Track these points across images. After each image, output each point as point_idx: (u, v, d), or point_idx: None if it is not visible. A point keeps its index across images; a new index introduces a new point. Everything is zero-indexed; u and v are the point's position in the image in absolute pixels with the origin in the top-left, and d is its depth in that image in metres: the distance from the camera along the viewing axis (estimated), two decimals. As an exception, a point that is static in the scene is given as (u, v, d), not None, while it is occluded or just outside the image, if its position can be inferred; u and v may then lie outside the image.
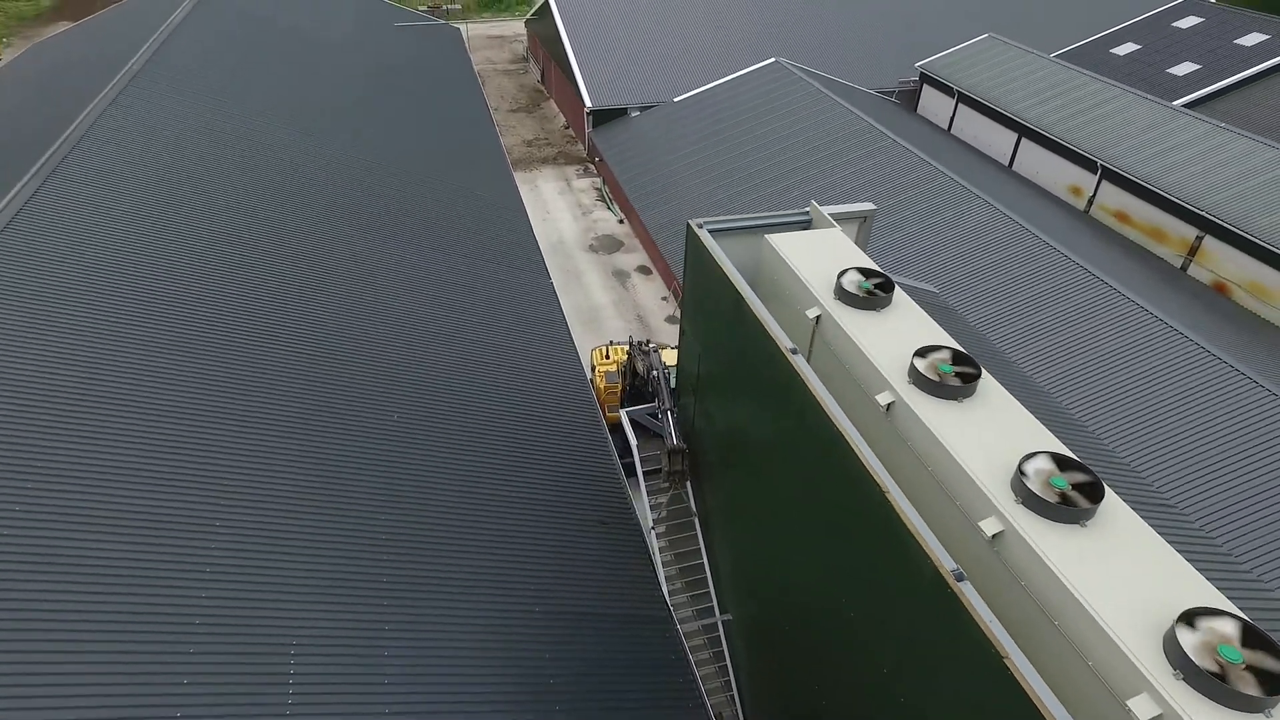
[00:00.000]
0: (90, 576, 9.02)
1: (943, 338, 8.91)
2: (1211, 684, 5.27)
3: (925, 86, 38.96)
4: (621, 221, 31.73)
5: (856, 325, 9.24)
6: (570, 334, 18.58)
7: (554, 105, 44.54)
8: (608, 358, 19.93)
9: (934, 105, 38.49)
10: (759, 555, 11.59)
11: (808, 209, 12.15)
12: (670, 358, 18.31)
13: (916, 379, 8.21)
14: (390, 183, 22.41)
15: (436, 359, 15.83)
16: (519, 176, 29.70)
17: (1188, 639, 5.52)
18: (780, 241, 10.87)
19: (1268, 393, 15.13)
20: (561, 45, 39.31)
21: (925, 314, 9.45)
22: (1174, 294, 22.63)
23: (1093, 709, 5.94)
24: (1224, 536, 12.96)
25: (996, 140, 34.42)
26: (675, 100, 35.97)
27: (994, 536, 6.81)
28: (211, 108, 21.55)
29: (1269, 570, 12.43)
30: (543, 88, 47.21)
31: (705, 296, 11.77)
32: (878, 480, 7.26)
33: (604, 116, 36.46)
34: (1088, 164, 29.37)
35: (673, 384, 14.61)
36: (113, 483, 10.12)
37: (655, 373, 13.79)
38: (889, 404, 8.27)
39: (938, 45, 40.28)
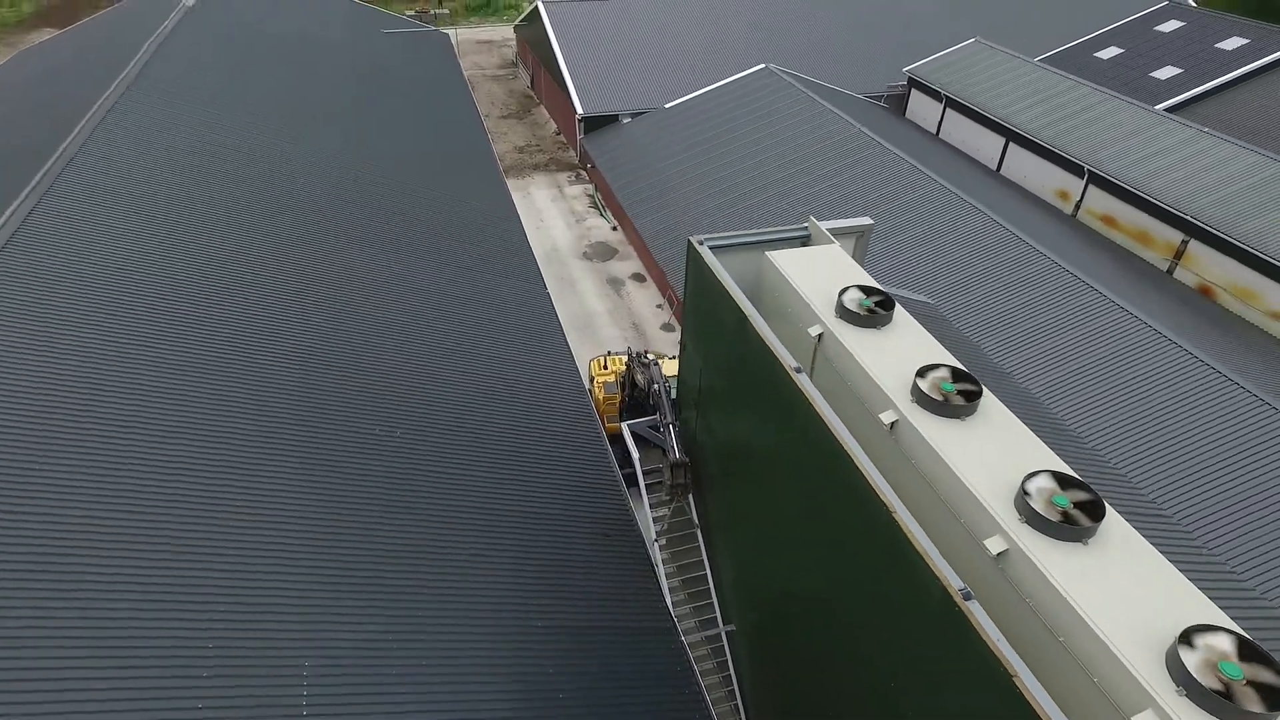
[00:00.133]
0: (98, 601, 9.04)
1: (944, 356, 9.08)
2: (1213, 700, 5.46)
3: (913, 91, 39.32)
4: (615, 229, 31.86)
5: (858, 343, 9.40)
6: (568, 345, 18.68)
7: (544, 111, 44.60)
8: (606, 368, 20.05)
9: (922, 109, 38.86)
10: (762, 567, 11.75)
11: (806, 225, 12.31)
12: (669, 368, 18.46)
13: (919, 398, 8.38)
14: (384, 192, 22.43)
15: (435, 372, 15.89)
16: (511, 184, 29.77)
17: (1190, 656, 5.71)
18: (781, 259, 11.02)
19: (1254, 398, 15.45)
20: (551, 51, 39.39)
21: (926, 331, 9.63)
22: (1161, 298, 23.01)
23: (1098, 725, 6.12)
24: (1214, 541, 13.24)
25: (984, 145, 34.81)
26: (666, 106, 36.14)
27: (999, 555, 6.98)
28: (204, 120, 21.50)
29: (1256, 574, 12.71)
30: (533, 93, 47.27)
31: (707, 313, 11.91)
32: (884, 500, 7.42)
33: (595, 123, 36.58)
34: (1075, 169, 29.78)
35: (673, 395, 14.74)
36: (118, 503, 10.14)
37: (656, 386, 13.91)
38: (893, 423, 8.43)
39: (925, 49, 40.66)
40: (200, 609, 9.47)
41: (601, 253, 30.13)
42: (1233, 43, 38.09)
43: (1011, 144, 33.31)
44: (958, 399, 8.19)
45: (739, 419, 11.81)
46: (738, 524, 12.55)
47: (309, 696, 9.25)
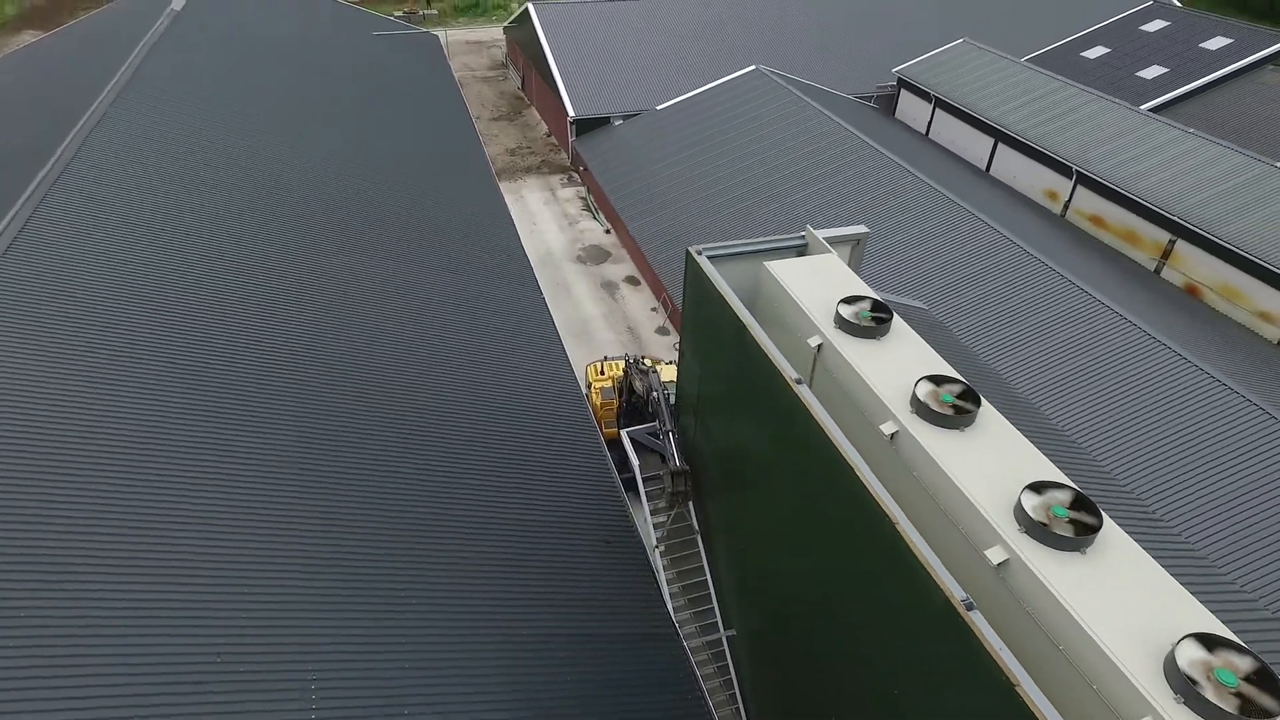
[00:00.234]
0: (104, 619, 9.07)
1: (942, 366, 9.24)
2: (1211, 707, 5.63)
3: (903, 91, 39.57)
4: (608, 231, 31.93)
5: (857, 354, 9.54)
6: (565, 351, 18.75)
7: (535, 113, 44.58)
8: (603, 374, 20.13)
9: (912, 110, 39.12)
10: (763, 572, 11.89)
11: (803, 234, 12.44)
12: (666, 374, 18.56)
13: (919, 409, 8.53)
14: (378, 197, 22.42)
15: (433, 381, 15.93)
16: (503, 186, 29.78)
17: (1186, 663, 5.88)
18: (779, 269, 11.15)
19: (1246, 401, 15.73)
20: (542, 53, 39.38)
21: (924, 341, 9.79)
22: (1149, 298, 23.32)
23: (1098, 731, 6.29)
24: (1204, 543, 13.49)
25: (973, 145, 35.10)
26: (658, 108, 36.22)
27: (999, 565, 7.14)
28: (197, 125, 21.42)
29: (1241, 572, 12.96)
30: (523, 95, 47.22)
31: (706, 322, 12.02)
32: (887, 511, 7.56)
33: (586, 125, 36.62)
34: (1063, 169, 30.09)
35: (671, 400, 14.84)
36: (118, 516, 10.16)
37: (655, 394, 14.02)
38: (893, 434, 8.58)
39: (913, 48, 40.91)
40: (206, 622, 9.51)
41: (595, 256, 30.20)
42: (1216, 42, 38.58)
43: (1000, 144, 33.61)
44: (956, 410, 8.34)
45: (739, 427, 11.93)
46: (738, 529, 12.68)
47: (317, 703, 9.31)
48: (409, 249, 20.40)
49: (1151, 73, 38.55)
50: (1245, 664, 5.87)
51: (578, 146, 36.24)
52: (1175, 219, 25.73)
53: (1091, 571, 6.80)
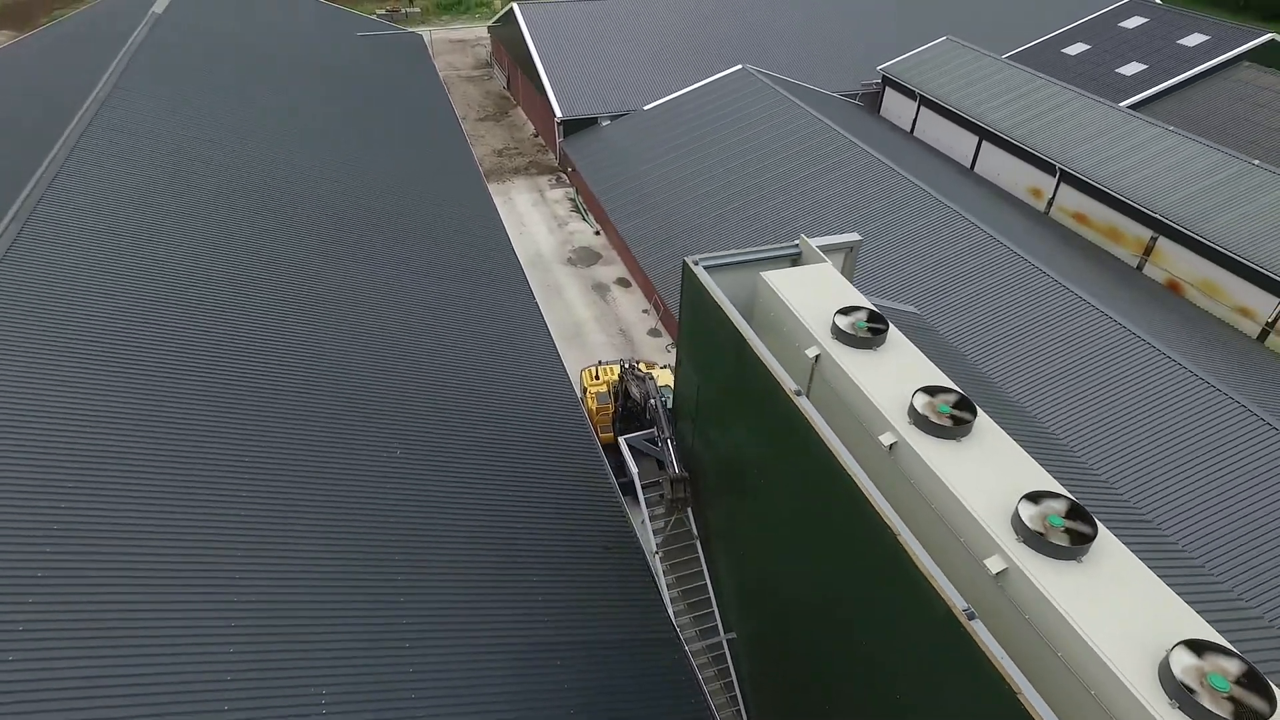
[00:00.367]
0: (115, 636, 9.10)
1: (938, 376, 9.44)
2: (1204, 712, 5.86)
3: (887, 89, 39.84)
4: (598, 233, 31.98)
5: (854, 364, 9.72)
6: (559, 356, 18.84)
7: (522, 113, 44.47)
8: (597, 378, 20.23)
9: (896, 107, 39.41)
10: (763, 576, 12.08)
11: (797, 242, 12.61)
12: (662, 378, 18.71)
13: (917, 419, 8.72)
14: (368, 202, 22.35)
15: (428, 389, 15.97)
16: (492, 188, 29.75)
17: (1180, 669, 6.11)
18: (776, 280, 11.31)
19: (1224, 396, 16.11)
20: (528, 53, 39.27)
21: (919, 351, 9.99)
22: (1133, 295, 23.75)
23: (1096, 735, 6.52)
24: (1187, 538, 13.84)
25: (958, 143, 35.43)
26: (645, 109, 36.26)
27: (998, 574, 7.35)
28: (181, 134, 21.24)
29: (1223, 567, 13.32)
30: (509, 94, 47.07)
31: (703, 331, 12.16)
32: (889, 523, 7.75)
33: (574, 125, 36.59)
34: (1047, 167, 30.49)
35: (668, 404, 14.98)
36: (128, 539, 10.17)
37: (653, 401, 14.15)
38: (891, 444, 8.77)
39: (898, 45, 41.18)
40: (217, 637, 9.57)
41: (585, 258, 30.26)
42: (1193, 39, 39.14)
43: (985, 142, 33.96)
44: (953, 421, 8.55)
45: (738, 434, 12.10)
46: (737, 534, 12.86)
47: (325, 711, 9.41)
48: (400, 254, 20.37)
49: (1131, 69, 39.07)
50: (1236, 668, 6.11)
51: (566, 148, 36.22)
52: (1156, 216, 26.18)
53: (1087, 580, 7.02)
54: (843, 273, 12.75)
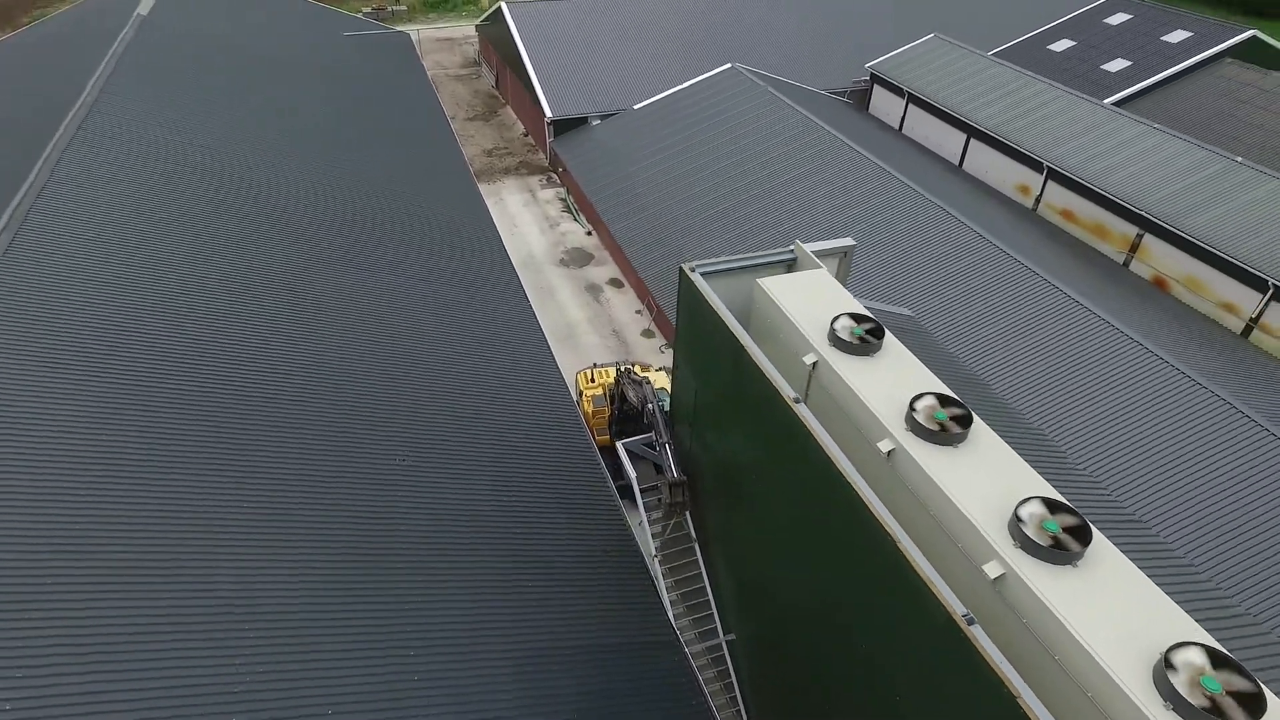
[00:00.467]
0: (120, 656, 9.13)
1: (933, 383, 9.59)
2: (1198, 714, 6.04)
3: (876, 87, 40.03)
4: (590, 233, 32.02)
5: (852, 371, 9.85)
6: (555, 360, 18.90)
7: (511, 112, 44.36)
8: (593, 381, 20.31)
9: (885, 105, 39.61)
10: (762, 579, 12.23)
11: (792, 248, 12.72)
12: (658, 380, 18.81)
13: (914, 426, 8.87)
14: (358, 205, 22.30)
15: (423, 394, 16.00)
16: (483, 188, 29.66)
17: (1174, 672, 6.29)
18: (772, 286, 11.42)
19: (1211, 394, 16.40)
20: (517, 52, 39.18)
21: (914, 358, 10.13)
22: (1119, 292, 24.06)
23: (1093, 736, 6.69)
24: (1174, 536, 14.11)
25: (946, 140, 35.67)
26: (635, 108, 36.28)
27: (996, 579, 7.52)
28: (170, 138, 21.10)
29: (1208, 563, 13.60)
30: (498, 93, 46.93)
31: (701, 337, 12.27)
32: (889, 531, 7.89)
33: (564, 125, 36.57)
34: (1034, 164, 30.77)
35: (665, 406, 15.09)
36: (131, 550, 10.19)
37: (650, 405, 14.25)
38: (889, 451, 8.92)
39: (886, 42, 41.36)
40: (223, 647, 9.61)
41: (578, 258, 30.30)
42: (1176, 35, 39.55)
43: (973, 139, 34.21)
44: (950, 427, 8.70)
45: (736, 439, 12.22)
46: (736, 537, 13.00)
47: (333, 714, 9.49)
48: (393, 258, 20.35)
49: (1116, 65, 39.43)
50: (1227, 670, 6.29)
51: (556, 148, 36.20)
52: (1142, 213, 26.51)
53: (1083, 584, 7.19)
54: (837, 277, 12.89)
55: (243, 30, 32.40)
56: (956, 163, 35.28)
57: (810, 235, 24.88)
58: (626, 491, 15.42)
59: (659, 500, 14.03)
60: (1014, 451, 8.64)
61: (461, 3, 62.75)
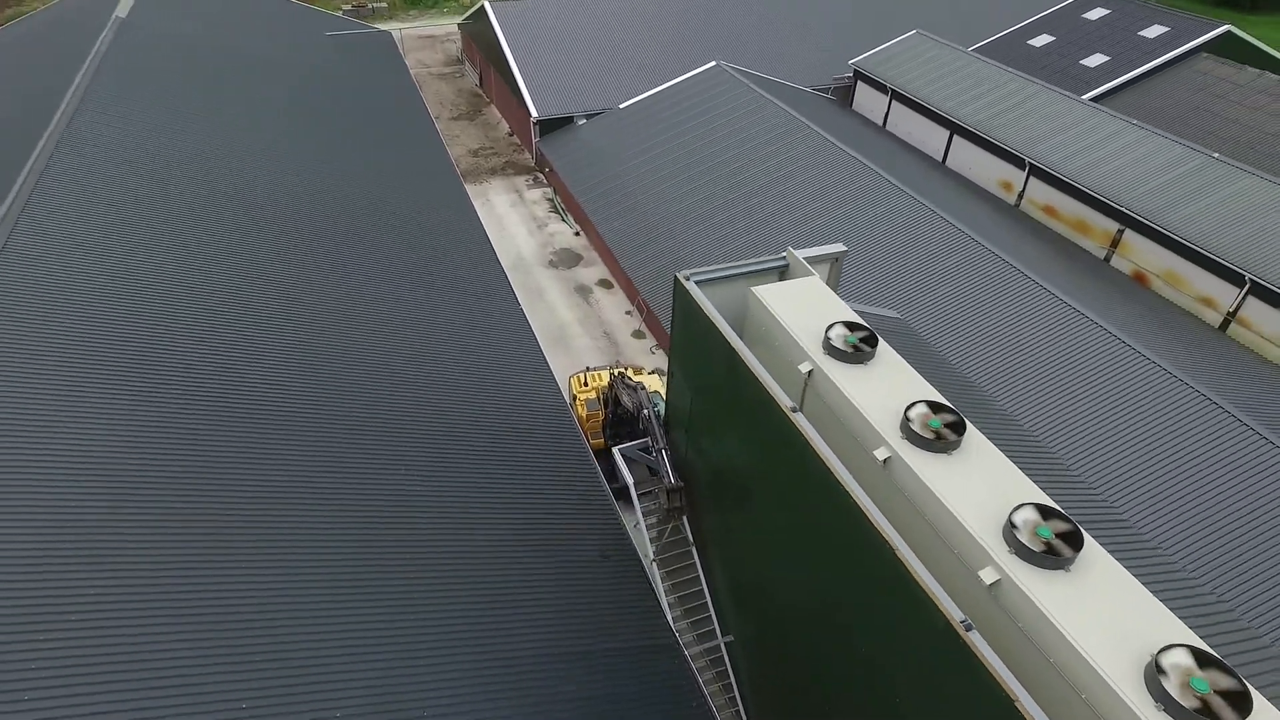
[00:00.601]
0: (123, 673, 9.17)
1: (927, 390, 9.80)
2: (1188, 715, 6.29)
3: (859, 83, 40.28)
4: (578, 234, 32.05)
5: (847, 379, 10.04)
6: (548, 364, 18.97)
7: (495, 111, 44.18)
8: (586, 385, 20.41)
9: (868, 102, 39.87)
10: (761, 581, 12.43)
11: (784, 255, 12.89)
12: (650, 383, 18.95)
13: (909, 434, 9.07)
14: (346, 209, 22.20)
15: (417, 400, 16.03)
16: (469, 189, 29.59)
17: (1165, 674, 6.54)
18: (767, 295, 11.57)
19: (1193, 390, 16.79)
20: (501, 51, 39.02)
21: (907, 365, 10.34)
22: (1101, 287, 24.48)
23: (1087, 736, 6.94)
24: (1156, 530, 14.49)
25: (930, 137, 36.00)
26: (620, 107, 36.29)
27: (992, 585, 7.74)
28: (154, 146, 20.89)
29: (1203, 571, 13.97)
30: (481, 92, 46.72)
31: (695, 344, 12.42)
32: (887, 539, 8.09)
33: (549, 125, 36.51)
34: (1016, 160, 31.16)
35: (659, 410, 15.23)
36: (132, 558, 10.20)
37: (646, 411, 14.39)
38: (885, 459, 9.12)
39: (868, 39, 41.61)
40: (228, 657, 9.66)
41: (567, 259, 30.34)
42: (1153, 30, 40.13)
43: (956, 136, 34.56)
44: (944, 435, 8.91)
45: (732, 446, 12.40)
46: (734, 540, 13.19)
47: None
48: (383, 261, 20.30)
49: (1094, 60, 39.94)
50: (1215, 670, 6.54)
51: (542, 148, 36.15)
52: (1122, 209, 26.96)
53: (1076, 589, 7.42)
54: (828, 283, 13.08)
55: (222, 31, 32.03)
56: (940, 159, 35.62)
57: (796, 233, 25.10)
58: (621, 494, 15.56)
59: (656, 505, 14.18)
60: (1006, 457, 8.86)
61: (442, -1, 62.27)
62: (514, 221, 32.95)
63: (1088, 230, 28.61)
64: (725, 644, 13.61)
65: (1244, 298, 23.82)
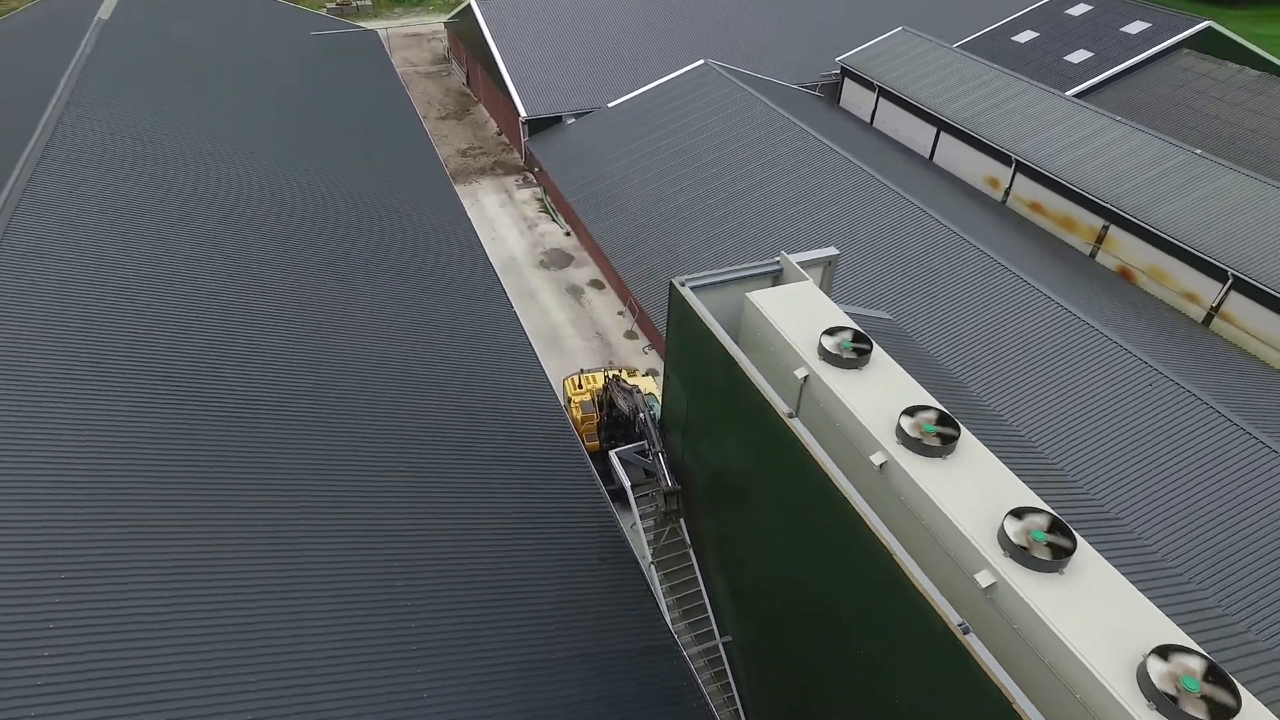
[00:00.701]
0: (122, 685, 9.20)
1: (921, 395, 9.96)
2: (1178, 712, 6.49)
3: (846, 81, 40.44)
4: (568, 234, 32.06)
5: (842, 385, 10.19)
6: (542, 366, 19.03)
7: (483, 110, 44.03)
8: (580, 387, 20.48)
9: (856, 99, 40.05)
10: (759, 582, 12.59)
11: (778, 259, 13.02)
12: (644, 385, 19.05)
13: (904, 439, 9.23)
14: (337, 211, 22.13)
15: (414, 406, 16.05)
16: (458, 189, 29.53)
17: (1156, 673, 6.73)
18: (762, 301, 11.71)
19: (1179, 387, 17.09)
20: (488, 50, 38.89)
21: (902, 370, 10.50)
22: (1087, 283, 24.80)
23: (1082, 734, 7.13)
24: (1145, 528, 14.77)
25: (917, 134, 36.23)
26: (609, 106, 36.28)
27: (987, 588, 7.92)
28: (140, 149, 20.73)
29: (1185, 559, 14.27)
30: (469, 91, 46.53)
31: (691, 349, 12.53)
32: (884, 544, 8.25)
33: (538, 124, 36.45)
34: (1003, 157, 31.44)
35: (655, 412, 15.32)
36: (132, 562, 10.21)
37: (643, 414, 14.50)
38: (882, 464, 9.27)
39: (855, 36, 41.75)
40: (229, 665, 9.71)
41: (558, 260, 30.36)
42: (1135, 26, 40.52)
43: (942, 133, 34.81)
44: (939, 440, 9.07)
45: (729, 450, 12.53)
46: (731, 544, 13.34)
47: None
48: (375, 264, 20.27)
49: (1078, 56, 40.30)
50: (1205, 669, 6.75)
51: (532, 147, 36.09)
52: (1107, 205, 27.29)
53: (1069, 591, 7.61)
54: (821, 286, 13.23)
55: (206, 32, 31.74)
56: (927, 156, 35.87)
57: (785, 232, 25.26)
58: (618, 496, 15.67)
59: (654, 508, 14.30)
60: (1000, 461, 9.04)
61: (428, -4, 61.83)
62: (505, 222, 32.92)
63: (1073, 227, 28.94)
64: (724, 645, 13.76)
65: (1226, 293, 24.21)
